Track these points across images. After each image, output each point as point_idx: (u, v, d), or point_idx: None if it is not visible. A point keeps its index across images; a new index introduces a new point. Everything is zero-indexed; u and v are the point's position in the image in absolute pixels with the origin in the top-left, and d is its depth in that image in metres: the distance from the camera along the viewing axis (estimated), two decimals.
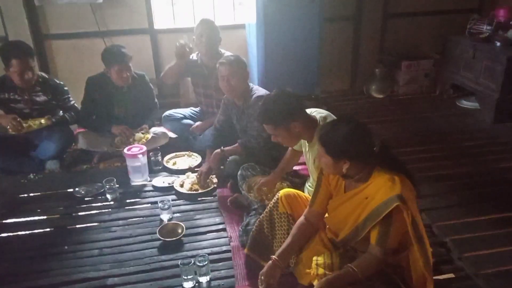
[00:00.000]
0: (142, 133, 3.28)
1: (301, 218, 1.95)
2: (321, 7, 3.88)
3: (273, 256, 1.87)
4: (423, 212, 2.53)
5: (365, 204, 1.69)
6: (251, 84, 2.94)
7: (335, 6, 4.45)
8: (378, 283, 1.67)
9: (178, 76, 3.60)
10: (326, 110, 2.34)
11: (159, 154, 3.23)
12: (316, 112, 2.27)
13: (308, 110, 2.25)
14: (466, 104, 4.35)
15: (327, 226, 1.96)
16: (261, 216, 2.13)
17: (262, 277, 1.83)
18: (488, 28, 3.99)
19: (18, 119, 3.01)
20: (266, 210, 2.12)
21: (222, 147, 2.86)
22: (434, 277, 2.00)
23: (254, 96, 2.81)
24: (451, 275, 2.09)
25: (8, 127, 2.99)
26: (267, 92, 2.85)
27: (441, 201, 2.67)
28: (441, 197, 2.72)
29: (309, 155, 2.29)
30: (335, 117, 2.21)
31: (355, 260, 1.70)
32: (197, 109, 3.68)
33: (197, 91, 3.54)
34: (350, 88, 4.91)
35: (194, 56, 3.47)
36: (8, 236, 2.53)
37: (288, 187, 2.38)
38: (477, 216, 2.51)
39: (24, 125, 3.05)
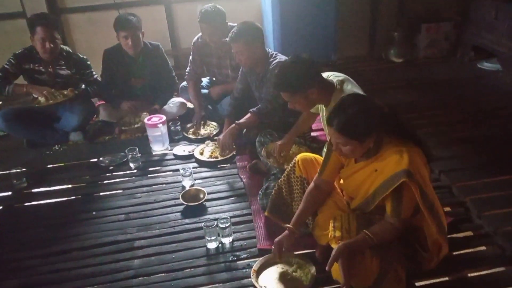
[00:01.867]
0: (144, 114, 3.28)
1: (311, 185, 1.97)
2: None
3: (288, 225, 1.91)
4: (443, 173, 2.54)
5: (374, 177, 1.70)
6: (269, 50, 2.87)
7: None
8: (395, 245, 1.70)
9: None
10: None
11: (179, 123, 3.29)
12: (333, 76, 2.23)
13: (325, 74, 2.22)
14: (487, 66, 4.25)
15: (343, 191, 1.99)
16: (279, 180, 2.17)
17: (276, 245, 1.87)
18: None
19: (52, 90, 3.07)
20: (284, 174, 2.16)
21: (236, 121, 2.82)
22: (454, 235, 2.06)
23: (274, 62, 2.76)
24: (470, 233, 2.11)
25: (41, 97, 3.04)
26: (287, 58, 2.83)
27: (460, 163, 2.67)
28: (460, 159, 2.71)
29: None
30: (352, 81, 2.20)
31: (372, 223, 1.73)
32: (214, 79, 3.68)
33: (210, 69, 3.46)
34: (368, 53, 4.83)
35: (200, 34, 3.31)
36: (38, 204, 2.64)
37: (306, 151, 2.40)
38: (496, 176, 2.50)
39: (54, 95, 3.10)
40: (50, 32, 3.04)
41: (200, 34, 3.31)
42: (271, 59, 2.80)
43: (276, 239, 1.89)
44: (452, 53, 4.61)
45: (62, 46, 3.24)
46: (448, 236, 1.83)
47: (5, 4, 4.08)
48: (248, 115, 2.80)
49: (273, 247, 1.89)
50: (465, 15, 4.39)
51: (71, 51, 3.31)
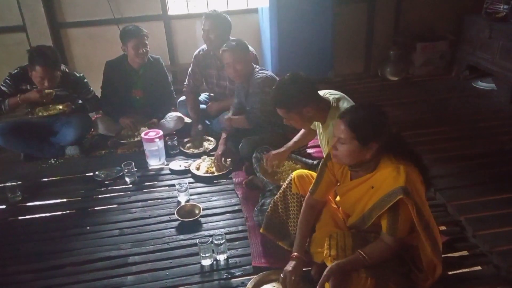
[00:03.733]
0: (143, 129, 3.29)
1: (305, 206, 1.96)
2: None
3: (295, 254, 1.87)
4: (438, 192, 2.54)
5: (371, 194, 1.71)
6: (254, 65, 2.95)
7: None
8: (389, 264, 1.70)
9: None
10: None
11: (175, 138, 3.29)
12: (329, 94, 2.26)
13: (321, 92, 2.25)
14: (482, 85, 4.29)
15: (340, 208, 1.99)
16: (275, 197, 2.17)
17: (289, 276, 1.82)
18: (504, 7, 3.91)
19: (46, 91, 3.02)
20: (280, 191, 2.16)
21: (230, 115, 3.00)
22: (448, 255, 2.06)
23: (257, 76, 2.83)
24: (465, 253, 2.11)
25: (39, 98, 3.00)
26: (271, 74, 2.88)
27: (456, 181, 2.68)
28: (456, 177, 2.72)
29: (322, 137, 2.31)
30: (348, 99, 2.22)
31: (367, 241, 1.73)
32: (212, 94, 3.71)
33: (209, 81, 3.50)
34: (364, 71, 4.88)
35: (204, 47, 3.40)
36: (32, 217, 2.63)
37: (302, 169, 2.41)
38: (491, 195, 2.51)
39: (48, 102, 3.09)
40: (50, 72, 2.99)
41: (202, 47, 3.38)
42: (255, 74, 2.86)
43: (288, 270, 1.83)
44: (448, 72, 4.66)
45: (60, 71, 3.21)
46: (444, 255, 1.83)
47: (5, 18, 4.10)
48: (241, 116, 2.95)
49: (282, 275, 1.84)
50: (460, 34, 4.46)
51: (67, 70, 3.26)
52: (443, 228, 2.27)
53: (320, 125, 2.30)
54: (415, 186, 1.63)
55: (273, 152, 2.57)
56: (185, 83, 3.50)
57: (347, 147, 1.67)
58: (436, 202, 2.50)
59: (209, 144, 3.34)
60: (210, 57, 3.36)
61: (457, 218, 2.34)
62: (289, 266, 1.85)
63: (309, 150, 3.08)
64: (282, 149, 2.57)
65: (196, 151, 3.26)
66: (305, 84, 2.11)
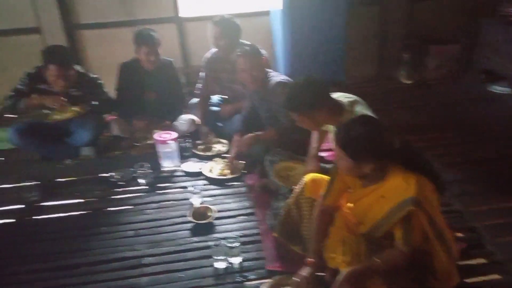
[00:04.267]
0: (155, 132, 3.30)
1: (317, 212, 1.97)
2: None
3: (310, 259, 1.89)
4: (454, 197, 2.52)
5: (382, 203, 1.70)
6: (268, 70, 2.94)
7: None
8: (404, 271, 1.68)
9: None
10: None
11: (188, 140, 3.30)
12: (344, 97, 2.24)
13: (335, 95, 2.23)
14: (497, 89, 4.24)
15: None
16: (288, 201, 2.17)
17: (305, 282, 1.84)
18: None
19: (62, 99, 3.07)
20: (293, 195, 2.16)
21: (255, 132, 2.87)
22: (465, 262, 2.03)
23: (272, 82, 2.81)
24: (482, 260, 2.08)
25: (54, 105, 3.05)
26: (285, 78, 2.86)
27: (472, 186, 2.65)
28: (472, 183, 2.69)
29: None
30: (363, 102, 2.21)
31: (381, 247, 1.72)
32: (225, 96, 3.72)
33: (221, 84, 3.51)
34: (377, 74, 4.85)
35: (214, 50, 3.40)
36: (48, 217, 2.66)
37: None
38: (509, 201, 2.48)
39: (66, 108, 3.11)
40: (63, 70, 3.03)
41: (212, 50, 3.37)
42: (268, 79, 2.85)
43: (304, 276, 1.84)
44: (462, 75, 4.61)
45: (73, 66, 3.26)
46: (460, 262, 1.81)
47: (20, 20, 4.15)
48: (268, 130, 2.85)
49: (297, 280, 1.85)
50: (475, 37, 4.41)
51: (83, 71, 3.32)
52: (459, 234, 2.23)
53: (333, 129, 2.28)
54: (426, 196, 1.61)
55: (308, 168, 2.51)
56: (197, 86, 3.51)
57: (344, 163, 1.69)
58: (452, 208, 2.47)
59: (222, 147, 3.35)
60: (221, 61, 3.36)
61: (474, 225, 2.31)
62: (304, 271, 1.85)
63: (321, 154, 3.07)
64: (311, 165, 2.52)
65: (209, 153, 3.27)
66: (318, 87, 2.11)
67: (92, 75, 3.35)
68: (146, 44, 3.22)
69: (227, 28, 3.18)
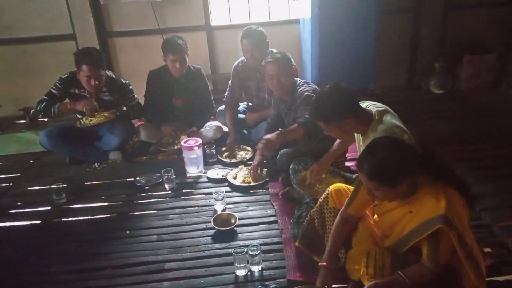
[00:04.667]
0: (183, 137, 3.34)
1: (338, 218, 1.94)
2: None
3: (323, 263, 1.87)
4: (483, 211, 2.42)
5: (409, 218, 1.66)
6: (297, 79, 2.94)
7: None
8: (430, 287, 1.63)
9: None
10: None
11: (214, 147, 3.33)
12: (373, 106, 2.18)
13: (364, 104, 2.19)
14: None
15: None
16: (312, 211, 2.14)
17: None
18: None
19: (94, 103, 3.17)
20: (317, 204, 2.13)
21: (280, 129, 2.78)
22: (493, 278, 1.95)
23: (301, 91, 2.80)
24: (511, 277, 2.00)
25: (84, 109, 3.14)
26: (314, 87, 2.84)
27: (503, 200, 2.55)
28: (503, 196, 2.60)
29: (362, 148, 2.25)
30: (392, 112, 2.15)
31: (406, 262, 1.67)
32: (250, 104, 3.73)
33: (248, 92, 3.54)
34: (407, 83, 4.76)
35: (243, 59, 3.41)
36: (75, 220, 2.72)
37: (341, 182, 2.36)
38: None
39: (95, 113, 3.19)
40: (95, 70, 3.12)
41: (241, 58, 3.40)
42: (298, 87, 2.84)
43: (320, 281, 1.84)
44: (496, 85, 4.47)
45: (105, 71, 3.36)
46: (489, 278, 1.74)
47: (56, 26, 4.32)
48: (295, 125, 2.74)
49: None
50: (510, 46, 4.26)
51: (114, 76, 3.42)
52: (487, 250, 2.16)
53: (361, 137, 2.24)
54: (457, 213, 1.56)
55: (316, 164, 2.51)
56: (225, 93, 3.55)
57: (380, 192, 1.63)
58: (481, 223, 2.39)
59: (246, 154, 3.36)
60: (249, 69, 3.38)
61: (504, 240, 2.22)
62: (319, 277, 1.84)
63: (347, 163, 3.03)
64: (323, 160, 2.51)
65: (233, 160, 3.28)
66: (345, 95, 2.06)
67: (123, 81, 3.44)
68: (172, 51, 3.28)
69: (258, 39, 3.19)
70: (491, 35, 4.54)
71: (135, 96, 3.51)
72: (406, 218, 1.67)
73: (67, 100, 3.32)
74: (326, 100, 2.06)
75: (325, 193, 2.10)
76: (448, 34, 4.55)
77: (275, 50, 3.09)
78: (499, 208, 2.47)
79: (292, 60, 2.97)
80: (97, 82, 3.16)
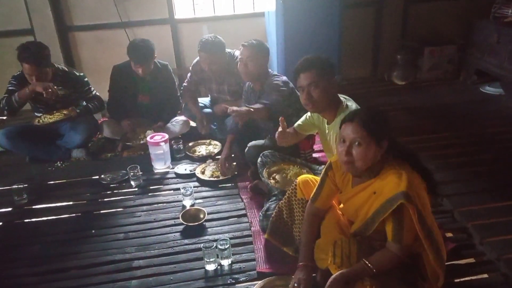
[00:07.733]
0: (149, 132, 3.31)
1: (306, 214, 1.97)
2: None
3: (302, 263, 1.88)
4: (445, 198, 2.52)
5: (373, 199, 1.69)
6: (272, 71, 2.92)
7: None
8: (394, 272, 1.67)
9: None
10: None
11: (181, 142, 3.29)
12: (341, 96, 2.26)
13: None
14: (490, 90, 4.26)
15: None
16: (280, 202, 2.16)
17: (303, 284, 1.83)
18: None
19: (53, 86, 3.01)
20: (285, 196, 2.15)
21: (246, 105, 2.81)
22: (455, 262, 2.03)
23: (270, 80, 2.80)
24: (472, 260, 2.08)
25: (44, 93, 2.97)
26: (285, 79, 2.85)
27: (463, 187, 2.65)
28: (463, 183, 2.70)
29: (331, 134, 2.27)
30: (355, 103, 2.21)
31: (373, 249, 1.71)
32: (209, 97, 3.72)
33: (208, 87, 3.53)
34: (371, 75, 4.87)
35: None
36: (38, 220, 2.64)
37: (308, 173, 2.39)
38: (499, 202, 2.48)
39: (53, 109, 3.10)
40: (35, 69, 2.99)
41: (198, 58, 3.35)
42: (271, 78, 2.84)
43: (302, 278, 1.83)
44: (455, 76, 4.64)
45: (58, 66, 3.25)
46: (450, 262, 1.80)
47: (13, 21, 4.14)
48: (261, 105, 2.73)
49: (294, 284, 1.84)
50: (468, 38, 4.43)
51: (67, 69, 3.30)
52: (449, 234, 2.24)
53: (326, 125, 2.27)
54: (417, 192, 1.61)
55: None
56: (184, 84, 3.52)
57: (363, 149, 1.63)
58: (442, 208, 2.48)
59: (214, 148, 3.34)
60: (207, 72, 3.33)
61: (464, 225, 2.31)
62: (300, 274, 1.85)
63: (315, 155, 3.07)
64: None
65: (202, 152, 3.26)
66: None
67: (77, 73, 3.33)
68: (135, 62, 3.22)
69: (213, 56, 3.14)
70: (450, 27, 4.70)
71: (92, 88, 3.41)
72: (371, 199, 1.70)
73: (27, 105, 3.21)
74: (322, 56, 2.21)
75: (292, 184, 2.13)
76: (409, 27, 4.68)
77: (237, 53, 3.07)
78: (459, 195, 2.57)
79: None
80: (38, 80, 3.00)
